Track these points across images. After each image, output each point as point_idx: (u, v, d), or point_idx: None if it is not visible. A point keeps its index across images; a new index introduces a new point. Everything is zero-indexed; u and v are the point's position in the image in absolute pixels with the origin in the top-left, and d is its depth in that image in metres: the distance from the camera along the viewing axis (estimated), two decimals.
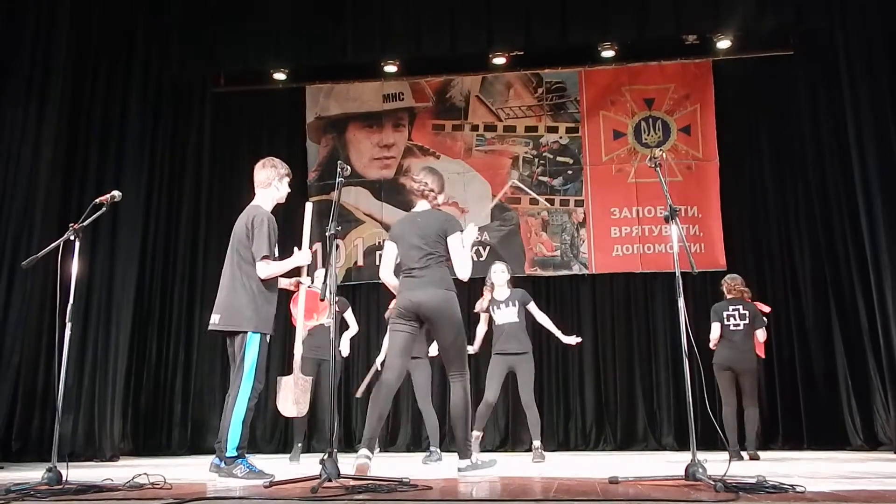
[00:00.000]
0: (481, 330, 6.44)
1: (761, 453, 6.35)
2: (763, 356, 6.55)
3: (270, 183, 4.35)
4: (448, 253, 4.21)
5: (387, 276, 4.41)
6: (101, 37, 7.48)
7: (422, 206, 4.51)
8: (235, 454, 3.99)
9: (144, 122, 7.77)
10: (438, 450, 6.12)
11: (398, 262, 4.36)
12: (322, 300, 4.52)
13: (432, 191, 4.51)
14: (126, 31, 7.69)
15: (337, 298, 6.52)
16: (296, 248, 4.34)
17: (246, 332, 4.08)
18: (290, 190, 4.48)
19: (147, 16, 7.82)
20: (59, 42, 6.85)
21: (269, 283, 4.19)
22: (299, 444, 6.52)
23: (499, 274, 6.28)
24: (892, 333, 6.55)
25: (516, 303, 6.24)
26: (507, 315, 6.23)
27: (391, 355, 4.23)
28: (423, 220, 4.33)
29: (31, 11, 6.75)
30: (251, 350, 4.07)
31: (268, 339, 4.16)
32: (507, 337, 6.17)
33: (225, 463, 4.02)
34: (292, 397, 4.40)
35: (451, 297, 4.14)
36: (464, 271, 4.18)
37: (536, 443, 6.19)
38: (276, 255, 4.21)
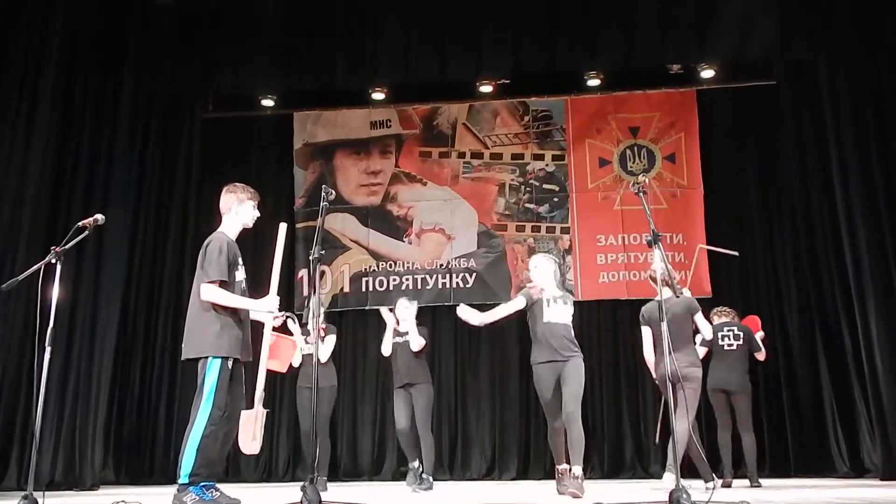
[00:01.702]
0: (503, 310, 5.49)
1: (747, 481, 6.33)
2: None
3: (230, 208, 4.30)
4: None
5: (648, 354, 5.61)
6: (91, 59, 7.49)
7: (666, 293, 5.08)
8: (187, 482, 3.89)
9: (133, 147, 7.76)
10: (430, 478, 6.09)
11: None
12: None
13: (673, 279, 5.42)
14: (116, 54, 7.70)
15: (325, 325, 6.57)
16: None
17: (206, 357, 4.00)
18: (257, 214, 4.39)
19: (137, 40, 7.84)
20: (49, 64, 6.87)
21: (229, 307, 4.10)
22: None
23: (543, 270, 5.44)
24: (876, 360, 6.57)
25: (568, 302, 5.41)
26: (560, 314, 5.32)
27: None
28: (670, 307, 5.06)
29: (21, 32, 6.78)
30: (210, 375, 3.97)
31: (230, 364, 4.03)
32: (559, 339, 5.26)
33: (177, 490, 3.94)
34: (251, 432, 4.30)
35: (697, 367, 5.40)
36: (709, 334, 5.57)
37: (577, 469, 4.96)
38: (234, 279, 4.12)
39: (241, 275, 4.21)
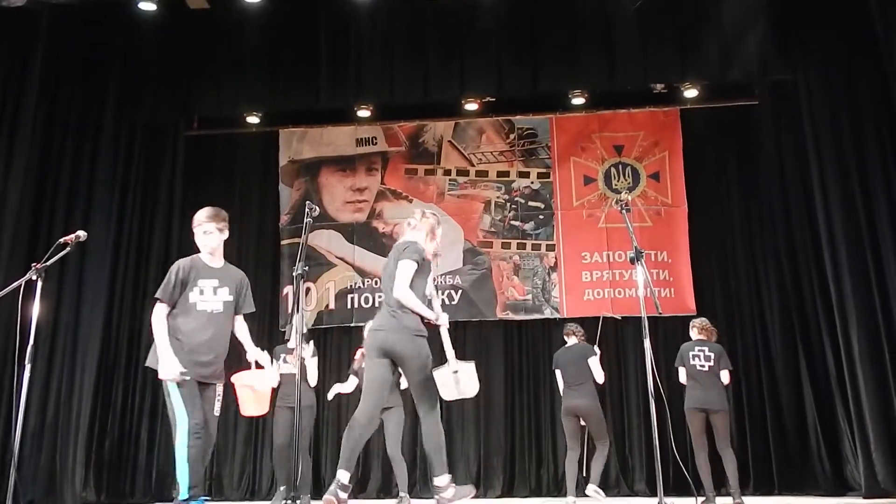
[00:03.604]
0: None
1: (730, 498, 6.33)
2: None
3: (194, 229, 4.27)
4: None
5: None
6: (74, 78, 7.48)
7: (572, 340, 6.80)
8: (188, 496, 3.87)
9: (115, 165, 7.75)
10: (408, 495, 6.11)
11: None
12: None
13: (580, 330, 6.87)
14: (99, 75, 7.70)
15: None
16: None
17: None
18: (208, 242, 4.23)
19: (121, 59, 7.84)
20: (32, 83, 6.85)
21: (182, 330, 4.10)
22: (282, 489, 6.40)
23: None
24: (858, 378, 6.61)
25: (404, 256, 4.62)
26: None
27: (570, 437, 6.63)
28: (574, 350, 6.73)
29: (3, 53, 6.76)
30: (172, 390, 3.98)
31: (187, 378, 4.01)
32: None
33: None
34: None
35: (598, 402, 6.56)
36: (600, 377, 6.59)
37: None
38: (185, 300, 4.10)
39: (198, 297, 4.14)
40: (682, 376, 6.50)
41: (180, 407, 3.96)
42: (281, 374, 6.20)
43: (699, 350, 6.42)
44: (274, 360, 6.40)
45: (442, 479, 4.10)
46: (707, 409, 6.32)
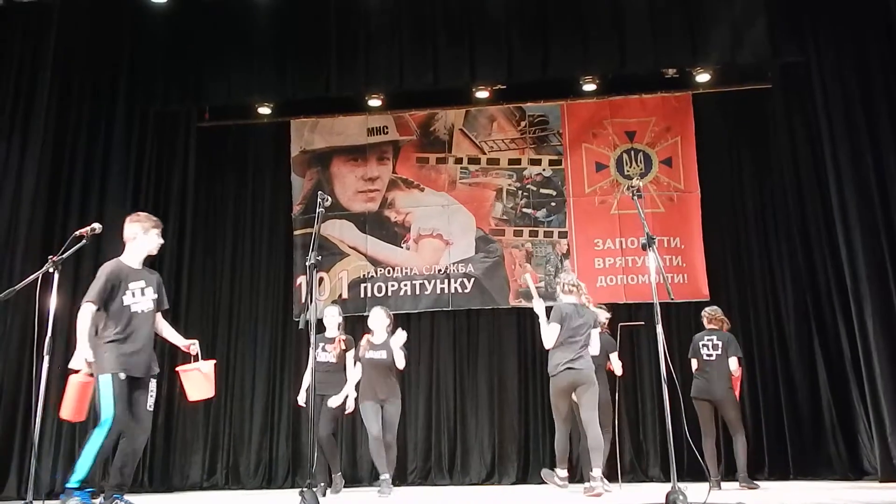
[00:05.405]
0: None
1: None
2: (736, 392, 6.54)
3: (135, 237, 4.47)
4: None
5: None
6: (86, 72, 7.51)
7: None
8: (77, 486, 4.04)
9: (128, 157, 7.79)
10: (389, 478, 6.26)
11: None
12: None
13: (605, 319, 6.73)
14: (110, 66, 7.74)
15: (345, 336, 6.55)
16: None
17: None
18: (161, 241, 4.57)
19: (131, 51, 7.87)
20: (44, 77, 6.89)
21: (117, 329, 4.30)
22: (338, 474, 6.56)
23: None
24: (873, 362, 6.58)
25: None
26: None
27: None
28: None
29: (16, 46, 6.80)
30: (105, 388, 4.17)
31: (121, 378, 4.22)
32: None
33: (64, 492, 4.08)
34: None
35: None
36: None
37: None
38: (119, 304, 4.30)
39: (131, 299, 4.36)
40: (695, 366, 6.57)
41: (109, 401, 4.15)
42: (318, 363, 6.21)
43: (707, 339, 6.49)
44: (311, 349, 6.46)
45: (596, 472, 5.15)
46: (712, 399, 6.37)
